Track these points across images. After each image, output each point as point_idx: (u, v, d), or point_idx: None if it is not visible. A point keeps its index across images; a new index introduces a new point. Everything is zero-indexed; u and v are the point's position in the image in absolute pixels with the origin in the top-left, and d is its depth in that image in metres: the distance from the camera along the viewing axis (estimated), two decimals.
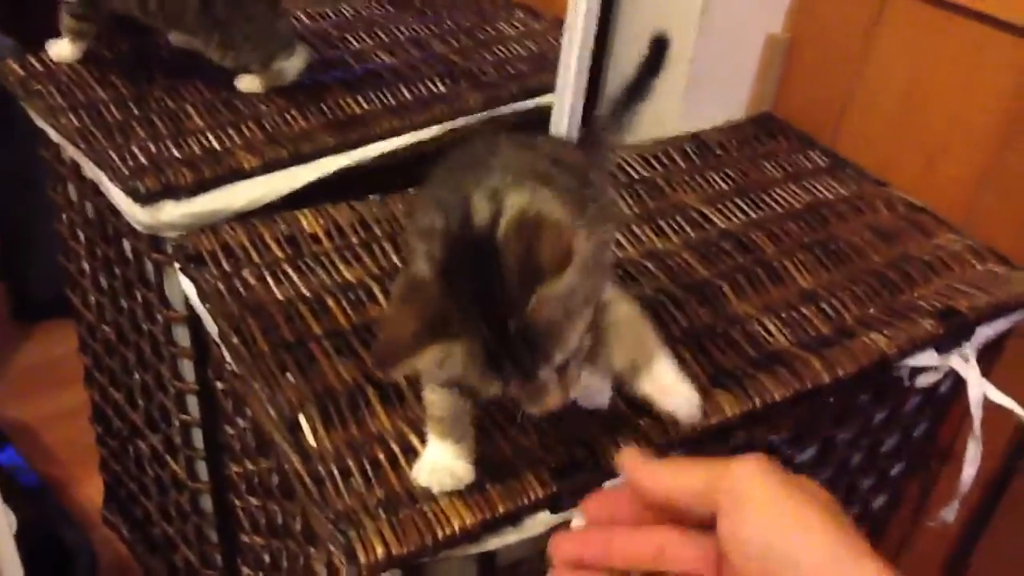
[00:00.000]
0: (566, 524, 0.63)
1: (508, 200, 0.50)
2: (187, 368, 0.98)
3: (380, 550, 0.56)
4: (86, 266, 1.08)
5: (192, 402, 1.00)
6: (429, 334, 0.49)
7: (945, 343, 0.81)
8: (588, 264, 0.51)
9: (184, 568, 1.20)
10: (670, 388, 0.64)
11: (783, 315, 0.79)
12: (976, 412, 0.83)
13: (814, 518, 0.41)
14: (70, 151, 0.96)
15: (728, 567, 0.43)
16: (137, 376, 1.08)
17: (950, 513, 0.91)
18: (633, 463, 0.46)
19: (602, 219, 0.62)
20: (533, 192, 0.51)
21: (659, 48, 0.70)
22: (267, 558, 0.85)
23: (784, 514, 0.41)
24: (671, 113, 1.07)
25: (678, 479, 0.44)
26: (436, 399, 0.58)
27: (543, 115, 1.08)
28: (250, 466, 0.82)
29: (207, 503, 1.08)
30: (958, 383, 0.86)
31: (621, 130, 0.72)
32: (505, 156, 0.58)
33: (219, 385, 0.85)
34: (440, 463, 0.58)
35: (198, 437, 1.03)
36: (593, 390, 0.64)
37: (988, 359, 0.88)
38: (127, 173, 0.87)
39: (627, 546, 0.46)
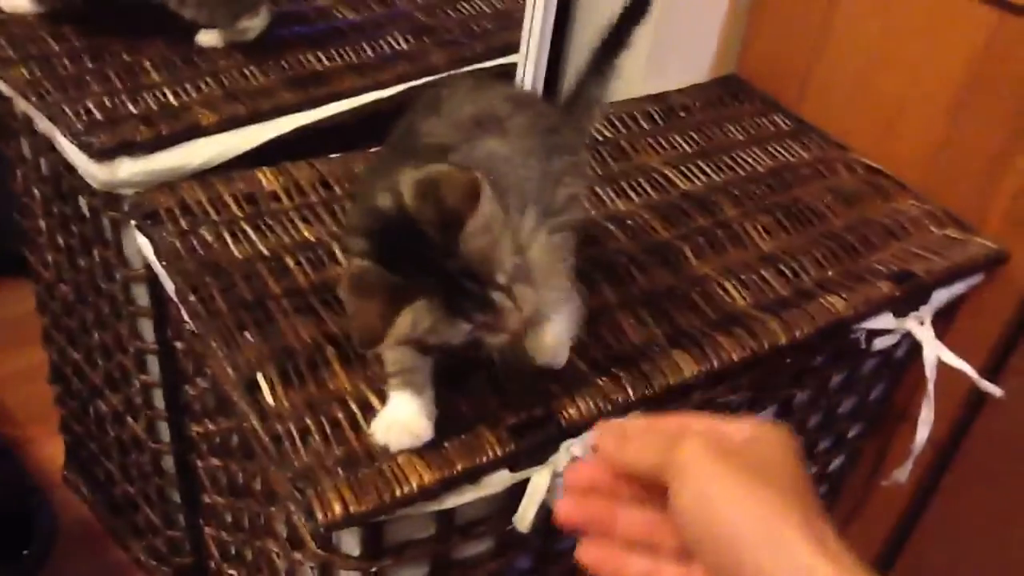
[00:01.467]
0: (524, 483, 0.64)
1: (403, 179, 0.54)
2: (146, 327, 0.97)
3: (338, 508, 0.56)
4: (42, 223, 1.06)
5: (152, 362, 0.99)
6: (393, 306, 0.53)
7: (901, 306, 0.82)
8: (494, 189, 0.55)
9: (146, 528, 1.20)
10: (542, 346, 0.65)
11: (742, 277, 0.80)
12: (930, 374, 0.84)
13: (748, 493, 0.42)
14: (22, 105, 0.93)
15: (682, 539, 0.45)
16: (96, 336, 1.06)
17: (903, 473, 0.93)
18: (608, 441, 0.48)
19: (574, 173, 0.63)
20: (423, 164, 0.55)
21: None
22: (229, 518, 0.85)
23: (719, 489, 0.42)
24: (635, 74, 1.06)
25: (639, 456, 0.47)
26: (394, 355, 0.58)
27: (508, 75, 1.08)
28: (211, 426, 0.82)
29: (169, 463, 1.07)
30: (914, 346, 0.87)
31: (605, 83, 0.72)
32: (452, 102, 0.62)
33: (178, 345, 0.84)
34: (399, 420, 0.59)
35: (159, 397, 1.02)
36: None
37: (943, 322, 0.90)
38: (81, 128, 0.86)
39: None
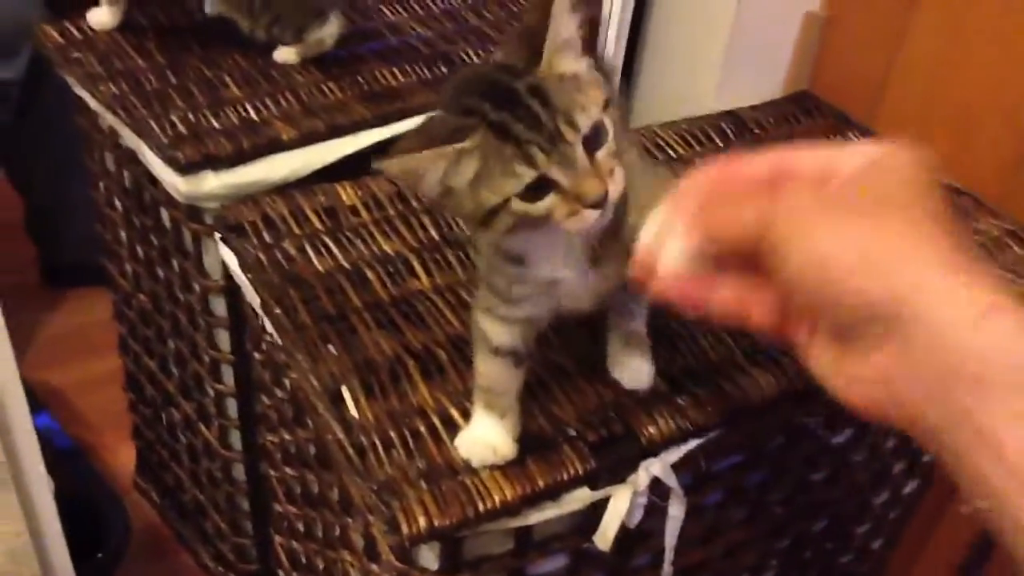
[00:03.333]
0: (601, 501, 0.64)
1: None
2: (223, 338, 0.98)
3: (422, 520, 0.56)
4: (123, 235, 1.09)
5: (227, 371, 1.01)
6: (437, 143, 0.48)
7: None
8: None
9: (214, 534, 1.22)
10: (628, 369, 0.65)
11: None
12: None
13: (869, 243, 0.38)
14: (108, 119, 0.96)
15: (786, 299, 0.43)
16: (172, 345, 1.09)
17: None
18: (689, 213, 0.44)
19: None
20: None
21: None
22: (300, 526, 0.86)
23: (833, 248, 0.39)
24: (708, 91, 1.06)
25: (730, 232, 0.43)
26: (486, 369, 0.59)
27: None
28: (286, 436, 0.83)
29: (239, 472, 1.09)
30: None
31: None
32: None
33: (256, 355, 0.85)
34: (483, 437, 0.59)
35: (232, 406, 1.04)
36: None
37: None
38: (167, 142, 0.88)
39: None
